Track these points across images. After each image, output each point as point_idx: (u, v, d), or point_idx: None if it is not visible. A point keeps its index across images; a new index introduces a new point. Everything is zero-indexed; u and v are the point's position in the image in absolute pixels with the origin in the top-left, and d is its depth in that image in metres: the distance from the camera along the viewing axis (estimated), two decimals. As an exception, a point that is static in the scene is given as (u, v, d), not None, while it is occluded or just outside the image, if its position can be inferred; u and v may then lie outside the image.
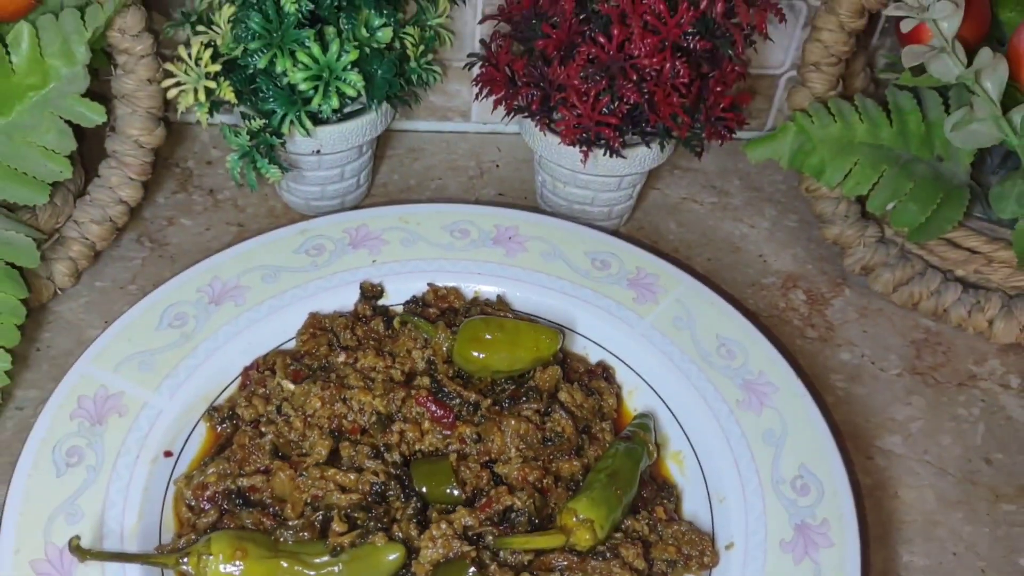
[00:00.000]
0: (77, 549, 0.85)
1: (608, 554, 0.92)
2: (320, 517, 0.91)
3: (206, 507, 0.95)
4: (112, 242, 1.24)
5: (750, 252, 1.34)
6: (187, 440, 1.00)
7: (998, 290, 1.24)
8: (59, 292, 1.19)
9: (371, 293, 1.12)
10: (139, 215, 1.31)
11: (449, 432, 0.99)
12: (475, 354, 1.03)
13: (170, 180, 1.36)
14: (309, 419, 0.98)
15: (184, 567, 0.87)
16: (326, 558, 0.88)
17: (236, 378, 1.05)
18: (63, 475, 0.93)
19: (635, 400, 1.09)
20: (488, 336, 1.03)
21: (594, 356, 1.12)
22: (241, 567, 0.86)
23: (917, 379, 1.21)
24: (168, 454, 0.98)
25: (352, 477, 0.94)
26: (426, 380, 1.01)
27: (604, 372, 1.09)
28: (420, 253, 1.15)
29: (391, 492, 0.94)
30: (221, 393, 1.04)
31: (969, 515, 1.08)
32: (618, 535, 0.94)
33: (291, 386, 1.00)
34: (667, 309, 1.10)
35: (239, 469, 0.96)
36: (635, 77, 1.09)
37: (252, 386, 1.03)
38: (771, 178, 1.45)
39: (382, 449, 0.97)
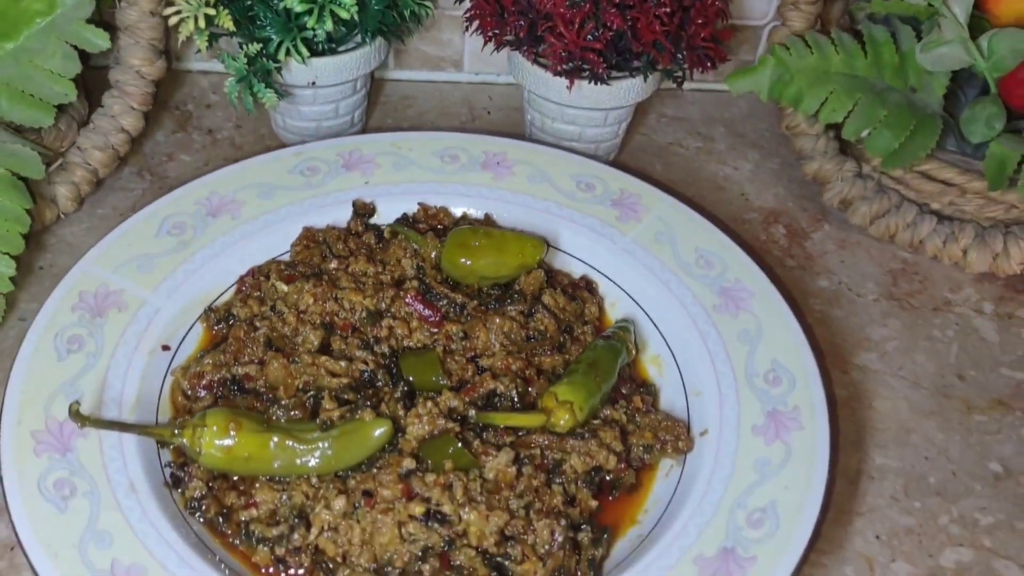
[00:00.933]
0: (77, 414, 0.89)
1: (587, 435, 0.95)
2: (311, 399, 0.95)
3: (202, 394, 0.98)
4: (114, 172, 1.29)
5: (733, 191, 1.38)
6: (184, 338, 1.03)
7: (972, 221, 1.28)
8: (62, 216, 1.23)
9: (363, 211, 1.16)
10: (139, 150, 1.35)
11: (436, 330, 1.02)
12: (462, 260, 1.07)
13: (170, 121, 1.41)
14: (302, 315, 1.02)
15: (179, 440, 0.91)
16: (316, 433, 0.91)
17: (232, 285, 1.09)
18: (64, 360, 0.96)
19: (617, 311, 1.12)
20: (475, 243, 1.07)
21: (578, 273, 1.15)
22: (234, 439, 0.90)
23: (893, 304, 1.24)
24: (166, 348, 1.02)
25: (343, 365, 0.97)
26: (415, 283, 1.05)
27: (587, 285, 1.13)
28: (411, 176, 1.19)
29: (380, 380, 0.98)
30: (217, 298, 1.08)
31: (942, 424, 1.12)
32: (596, 421, 0.98)
33: (284, 287, 1.04)
34: (649, 226, 1.14)
35: (234, 359, 0.99)
36: (618, 2, 1.14)
37: (247, 290, 1.07)
38: (755, 126, 1.49)
39: (371, 342, 1.01)
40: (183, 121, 1.41)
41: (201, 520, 0.91)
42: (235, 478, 0.93)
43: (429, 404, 0.93)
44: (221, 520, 0.90)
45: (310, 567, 0.88)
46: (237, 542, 0.90)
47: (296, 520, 0.88)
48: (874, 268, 1.29)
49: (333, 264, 1.07)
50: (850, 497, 1.04)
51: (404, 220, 1.16)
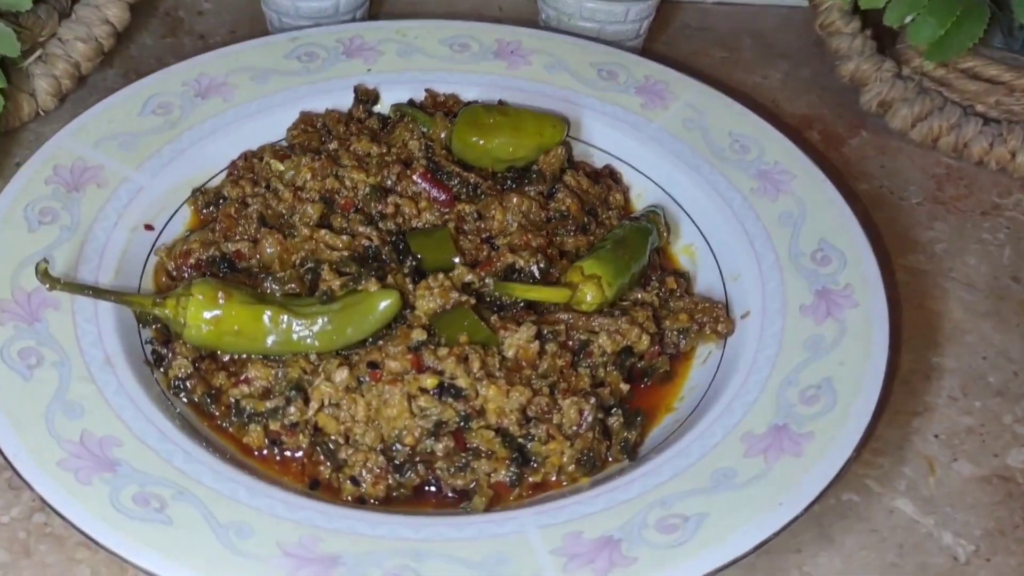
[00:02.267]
0: (45, 275, 0.79)
1: (617, 312, 0.86)
2: (309, 272, 0.85)
3: (188, 274, 0.89)
4: (98, 70, 1.20)
5: (763, 98, 1.29)
6: (170, 219, 0.94)
7: (1020, 122, 1.19)
8: (41, 113, 1.14)
9: (366, 97, 1.06)
10: (126, 53, 1.26)
11: (447, 210, 0.93)
12: (475, 139, 0.97)
13: (160, 26, 1.32)
14: (299, 192, 0.92)
15: (161, 311, 0.81)
16: (315, 307, 0.82)
17: (222, 171, 1.00)
18: (35, 231, 0.87)
19: (643, 202, 1.03)
20: (490, 120, 0.98)
21: (600, 164, 1.06)
22: (223, 310, 0.80)
23: (939, 208, 1.15)
24: (149, 228, 0.93)
25: (344, 239, 0.88)
26: (423, 162, 0.96)
27: (611, 174, 1.04)
28: (417, 64, 1.10)
29: (385, 256, 0.88)
30: (207, 182, 0.98)
31: (999, 325, 1.02)
32: (626, 303, 0.88)
33: (280, 165, 0.94)
34: (677, 112, 1.05)
35: (224, 237, 0.90)
36: None
37: (239, 172, 0.98)
38: (784, 37, 1.40)
39: (376, 218, 0.91)
40: (173, 27, 1.32)
41: (186, 401, 0.81)
42: (225, 358, 0.83)
43: (440, 276, 0.84)
44: (209, 401, 0.81)
45: (308, 449, 0.78)
46: (226, 424, 0.80)
47: (293, 393, 0.78)
48: (917, 173, 1.20)
49: (333, 145, 0.97)
50: (905, 397, 0.95)
51: (410, 104, 1.06)
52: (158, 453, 0.73)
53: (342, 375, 0.78)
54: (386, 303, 0.81)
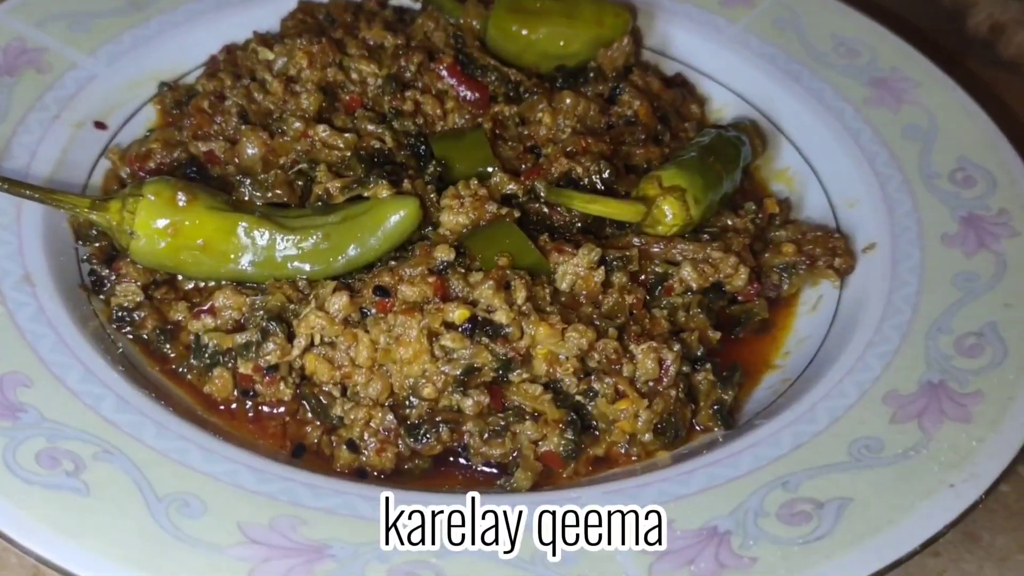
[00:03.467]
0: (-54, 160, 0.60)
1: (705, 236, 0.65)
2: (301, 177, 0.65)
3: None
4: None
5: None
6: (130, 118, 0.77)
7: None
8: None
9: (379, -12, 0.86)
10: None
11: (480, 113, 0.73)
12: (516, 28, 0.79)
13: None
14: (291, 84, 0.72)
15: (101, 216, 0.61)
16: (308, 219, 0.62)
17: (199, 67, 0.80)
18: (-52, 117, 0.68)
19: (724, 120, 0.84)
20: (536, 4, 0.79)
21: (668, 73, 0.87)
22: (184, 215, 0.60)
23: (1077, 149, 0.95)
24: (101, 126, 0.74)
25: (349, 137, 0.67)
26: (451, 53, 0.76)
27: (683, 84, 0.84)
28: (443, -42, 0.90)
29: (402, 160, 0.68)
30: (179, 80, 0.79)
31: None
32: (713, 230, 0.68)
33: (269, 52, 0.75)
34: (765, 11, 0.87)
35: (193, 136, 0.70)
36: None
37: (219, 66, 0.78)
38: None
39: (390, 116, 0.71)
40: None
41: (131, 337, 0.61)
42: (188, 286, 0.63)
43: (473, 183, 0.63)
44: (162, 339, 0.60)
45: (292, 403, 0.58)
46: (183, 370, 0.60)
47: (272, 325, 0.58)
48: (1039, 109, 0.99)
49: (338, 34, 0.78)
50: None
51: None
52: (79, 397, 0.53)
53: (340, 302, 0.57)
54: (401, 213, 0.61)
